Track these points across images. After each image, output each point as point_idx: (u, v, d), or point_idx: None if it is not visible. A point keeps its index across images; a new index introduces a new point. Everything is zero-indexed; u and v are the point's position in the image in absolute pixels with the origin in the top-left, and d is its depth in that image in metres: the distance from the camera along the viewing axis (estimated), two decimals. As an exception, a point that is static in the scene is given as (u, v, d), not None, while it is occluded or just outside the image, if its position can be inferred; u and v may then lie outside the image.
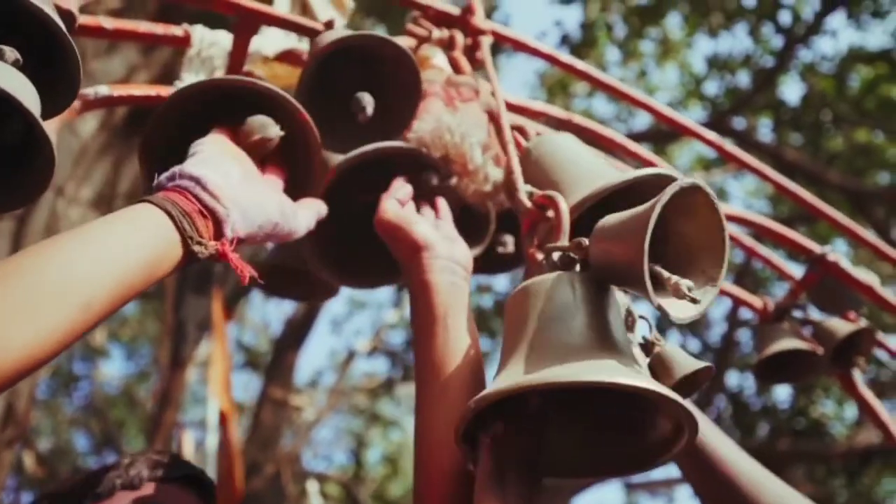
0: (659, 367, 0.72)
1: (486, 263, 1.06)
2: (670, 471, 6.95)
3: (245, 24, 0.96)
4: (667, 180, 0.77)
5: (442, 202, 0.90)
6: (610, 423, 0.65)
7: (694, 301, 0.58)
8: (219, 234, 0.65)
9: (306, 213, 0.79)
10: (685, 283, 0.57)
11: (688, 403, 0.57)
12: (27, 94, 0.59)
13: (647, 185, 0.78)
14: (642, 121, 6.59)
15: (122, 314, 8.58)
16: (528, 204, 0.77)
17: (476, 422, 0.61)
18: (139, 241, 0.58)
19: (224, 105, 0.76)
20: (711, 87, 6.35)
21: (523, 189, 0.78)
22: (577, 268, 0.67)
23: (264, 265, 1.08)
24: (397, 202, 0.86)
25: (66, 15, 0.72)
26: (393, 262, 0.85)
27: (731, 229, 1.38)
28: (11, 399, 2.33)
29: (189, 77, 0.98)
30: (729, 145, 1.33)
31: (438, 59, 1.07)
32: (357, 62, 0.90)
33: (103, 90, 0.92)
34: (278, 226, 0.73)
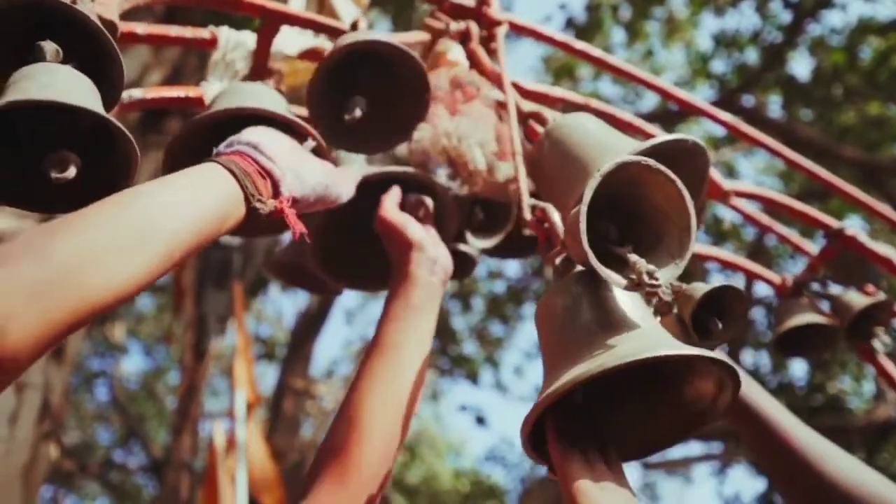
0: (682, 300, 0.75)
1: (510, 248, 1.09)
2: (688, 450, 6.98)
3: (269, 26, 0.98)
4: (673, 144, 0.80)
5: (427, 214, 0.97)
6: (652, 398, 0.67)
7: (654, 286, 0.61)
8: (276, 193, 0.71)
9: (347, 181, 0.85)
10: (645, 269, 0.61)
11: (723, 356, 0.60)
12: (94, 101, 0.63)
13: (667, 151, 0.81)
14: (649, 102, 6.57)
15: (139, 311, 8.69)
16: (530, 218, 0.80)
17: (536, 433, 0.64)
18: (210, 197, 0.63)
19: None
20: (719, 66, 6.31)
21: (527, 205, 0.82)
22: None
23: (276, 262, 1.14)
24: (395, 203, 0.94)
25: (109, 25, 0.75)
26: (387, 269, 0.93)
27: (746, 206, 1.41)
28: (46, 393, 2.40)
29: (214, 80, 1.01)
30: (742, 123, 1.34)
31: (454, 53, 1.09)
32: (369, 63, 0.94)
33: (137, 93, 0.96)
34: (328, 188, 0.79)
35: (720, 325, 0.77)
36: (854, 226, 1.27)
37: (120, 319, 7.75)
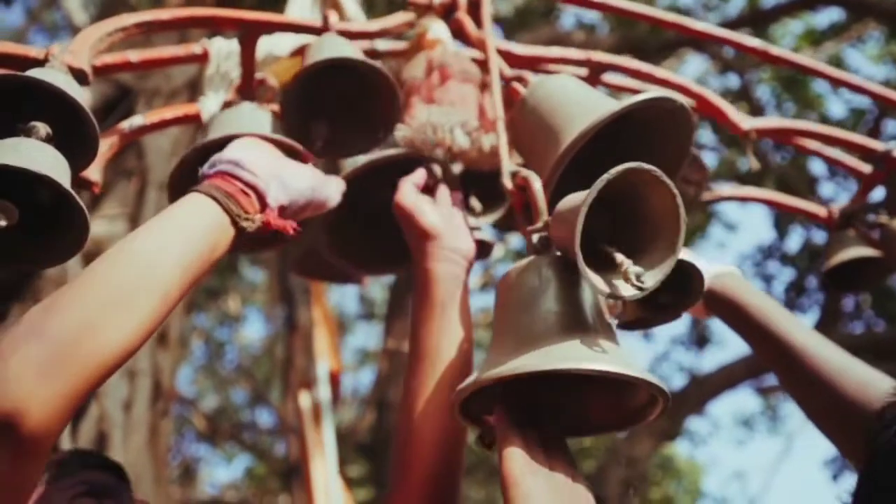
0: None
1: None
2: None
3: (250, 37, 1.00)
4: (652, 102, 0.75)
5: (454, 194, 0.93)
6: (594, 392, 0.67)
7: (640, 288, 0.59)
8: (263, 206, 0.73)
9: (334, 185, 0.86)
10: (634, 271, 0.59)
11: (652, 378, 0.59)
12: (61, 171, 0.67)
13: (648, 109, 0.77)
14: (734, 7, 6.05)
15: (251, 282, 9.26)
16: (511, 186, 0.78)
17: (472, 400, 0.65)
18: (196, 230, 0.66)
19: None
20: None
21: (507, 171, 0.79)
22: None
23: (298, 250, 1.16)
24: (414, 186, 0.90)
25: (79, 73, 0.80)
26: (402, 249, 0.91)
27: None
28: (156, 376, 2.66)
29: (210, 94, 1.06)
30: (772, 47, 1.23)
31: (435, 30, 1.07)
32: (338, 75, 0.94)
33: (137, 121, 1.02)
34: (315, 191, 0.80)
35: (673, 300, 0.75)
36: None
37: (234, 292, 8.31)
